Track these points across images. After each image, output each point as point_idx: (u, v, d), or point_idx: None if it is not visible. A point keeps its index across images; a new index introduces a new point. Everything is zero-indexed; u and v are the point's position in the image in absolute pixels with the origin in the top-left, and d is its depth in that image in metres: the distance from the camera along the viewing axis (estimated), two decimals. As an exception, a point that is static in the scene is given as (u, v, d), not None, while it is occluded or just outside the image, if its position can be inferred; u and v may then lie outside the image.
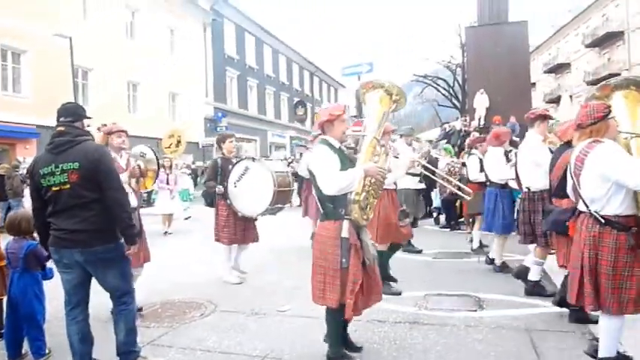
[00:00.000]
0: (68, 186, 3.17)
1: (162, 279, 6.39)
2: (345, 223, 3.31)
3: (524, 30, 17.54)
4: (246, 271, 6.39)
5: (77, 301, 3.43)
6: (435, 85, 37.22)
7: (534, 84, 45.32)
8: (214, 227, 6.19)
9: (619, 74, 27.55)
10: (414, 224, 8.30)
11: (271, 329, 4.29)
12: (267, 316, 4.67)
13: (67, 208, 3.21)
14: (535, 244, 5.13)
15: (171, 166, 11.40)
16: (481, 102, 16.62)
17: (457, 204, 10.03)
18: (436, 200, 10.77)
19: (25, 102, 18.15)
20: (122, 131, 4.87)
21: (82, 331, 3.41)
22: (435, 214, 11.13)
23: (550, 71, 49.56)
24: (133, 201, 4.43)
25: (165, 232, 10.62)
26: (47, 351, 3.77)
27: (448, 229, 9.96)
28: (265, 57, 37.61)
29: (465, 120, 17.17)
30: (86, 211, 3.21)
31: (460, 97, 32.65)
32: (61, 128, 3.37)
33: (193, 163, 24.21)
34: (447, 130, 15.84)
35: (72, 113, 3.47)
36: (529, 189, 5.18)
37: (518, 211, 5.60)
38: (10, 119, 17.01)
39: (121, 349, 3.51)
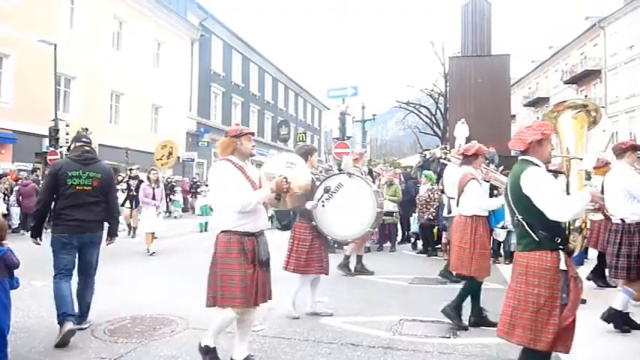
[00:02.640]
0: (90, 188, 4.58)
1: (133, 294, 6.27)
2: (562, 254, 2.92)
3: (506, 63, 17.96)
4: (324, 300, 5.74)
5: (69, 272, 4.57)
6: (417, 112, 37.75)
7: (514, 116, 46.35)
8: (288, 253, 5.28)
9: (595, 111, 28.41)
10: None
11: (243, 349, 4.20)
12: (240, 335, 4.58)
13: (84, 203, 4.54)
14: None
15: (157, 180, 10.32)
16: (461, 131, 16.87)
17: (434, 230, 10.11)
18: (414, 225, 10.83)
19: (5, 107, 17.85)
20: (252, 133, 3.85)
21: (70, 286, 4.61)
22: (412, 240, 11.17)
23: (530, 104, 50.77)
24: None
25: (151, 252, 9.59)
26: (8, 363, 3.63)
27: (425, 255, 10.00)
28: (251, 75, 37.83)
29: (445, 148, 17.41)
30: (96, 206, 4.64)
31: (441, 125, 33.14)
32: (87, 148, 4.75)
33: (171, 177, 23.95)
34: (427, 157, 16.03)
35: (89, 139, 4.86)
36: (623, 221, 4.95)
37: (607, 242, 5.19)
38: (-13, 124, 16.72)
39: (86, 308, 4.78)
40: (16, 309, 4.19)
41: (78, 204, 4.50)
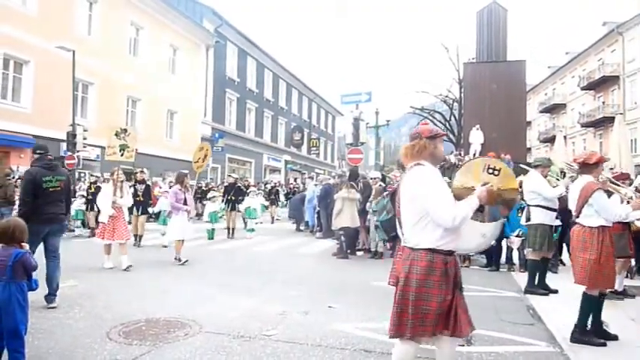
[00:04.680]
0: (59, 188, 5.79)
1: (148, 299, 6.33)
2: None
3: (521, 69, 17.83)
4: None
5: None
6: (431, 118, 37.58)
7: (530, 123, 46.01)
8: (394, 266, 5.23)
9: (613, 118, 28.02)
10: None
11: (256, 353, 4.23)
12: (253, 339, 4.61)
13: (55, 200, 5.74)
14: None
15: (186, 184, 9.80)
16: (476, 138, 16.79)
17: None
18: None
19: (24, 112, 18.20)
20: (445, 135, 3.44)
21: None
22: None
23: (545, 111, 50.32)
24: None
25: (183, 262, 8.97)
26: (26, 363, 3.69)
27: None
28: (265, 81, 38.07)
29: (460, 154, 17.32)
30: (61, 202, 5.88)
31: (456, 131, 32.96)
32: (50, 157, 5.99)
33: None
34: (442, 163, 15.98)
35: (47, 149, 6.04)
36: None
37: None
38: (7, 128, 17.03)
39: (56, 285, 5.72)
40: (33, 310, 4.27)
41: (50, 201, 5.66)
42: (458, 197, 3.06)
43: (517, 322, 5.37)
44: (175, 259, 9.10)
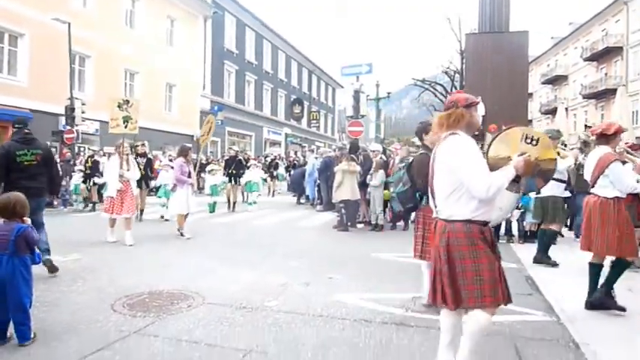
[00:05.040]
0: (35, 162, 5.72)
1: (151, 270, 6.40)
2: None
3: (524, 40, 17.55)
4: None
5: None
6: (432, 90, 37.32)
7: (531, 94, 45.67)
8: (417, 239, 4.86)
9: (615, 89, 27.79)
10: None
11: (258, 323, 4.29)
12: (255, 310, 4.68)
13: (33, 174, 5.67)
14: None
15: (190, 157, 9.66)
16: (478, 109, 16.68)
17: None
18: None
19: (21, 86, 18.04)
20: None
21: None
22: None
23: (547, 82, 49.88)
24: None
25: (184, 235, 8.98)
26: (32, 335, 3.74)
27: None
28: (265, 53, 37.59)
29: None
30: (41, 177, 5.78)
31: (457, 103, 32.72)
32: (27, 131, 5.86)
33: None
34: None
35: (25, 123, 6.04)
36: None
37: None
38: (4, 102, 16.90)
39: (45, 247, 5.77)
40: (37, 283, 4.32)
41: (27, 176, 5.61)
42: (493, 168, 2.97)
43: (515, 293, 5.38)
44: (179, 232, 9.09)
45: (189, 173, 9.31)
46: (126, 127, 8.79)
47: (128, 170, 8.47)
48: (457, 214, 2.91)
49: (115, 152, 8.63)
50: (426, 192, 4.53)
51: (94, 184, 14.20)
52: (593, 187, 4.80)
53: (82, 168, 14.63)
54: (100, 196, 14.16)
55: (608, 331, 4.17)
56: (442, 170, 2.98)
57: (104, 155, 16.45)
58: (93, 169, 14.13)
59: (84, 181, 14.38)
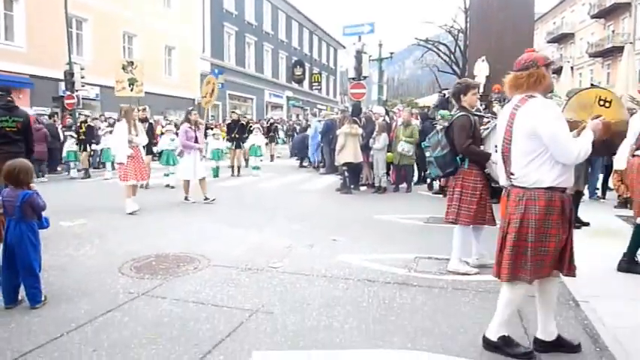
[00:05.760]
0: (16, 129, 5.96)
1: (156, 235, 6.48)
2: None
3: (530, -3, 17.14)
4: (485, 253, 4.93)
5: None
6: (435, 50, 36.71)
7: (536, 53, 44.75)
8: (457, 203, 4.68)
9: (622, 47, 27.23)
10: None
11: (263, 284, 4.38)
12: (260, 271, 4.76)
13: (12, 140, 5.94)
14: None
15: (197, 122, 9.30)
16: (482, 69, 16.39)
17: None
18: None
19: (19, 51, 17.83)
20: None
21: None
22: (428, 180, 11.20)
23: (553, 41, 48.87)
24: None
25: (188, 199, 8.97)
26: (43, 298, 3.83)
27: (440, 195, 10.04)
28: (265, 13, 36.85)
29: (464, 87, 17.02)
30: (20, 142, 6.01)
31: (460, 63, 32.26)
32: (9, 98, 6.10)
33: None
34: (446, 96, 15.74)
35: (8, 90, 6.28)
36: None
37: None
38: (3, 68, 16.73)
39: None
40: (46, 248, 4.39)
41: (7, 141, 5.89)
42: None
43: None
44: (185, 199, 9.02)
45: (196, 138, 9.03)
46: (132, 89, 8.62)
47: (136, 135, 8.10)
48: (539, 181, 2.80)
49: (122, 117, 8.17)
50: (467, 154, 4.52)
51: (92, 150, 13.96)
52: (638, 149, 4.73)
53: (74, 134, 13.99)
54: (89, 162, 14.14)
55: (608, 289, 4.23)
56: (523, 135, 2.82)
57: (105, 121, 16.36)
58: (88, 135, 13.78)
59: (80, 148, 13.80)
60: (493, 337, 3.03)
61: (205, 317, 3.62)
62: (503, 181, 3.05)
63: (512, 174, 2.93)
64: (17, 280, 3.80)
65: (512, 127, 2.88)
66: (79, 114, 16.01)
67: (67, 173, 14.39)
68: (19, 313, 3.70)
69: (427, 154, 4.84)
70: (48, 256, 4.74)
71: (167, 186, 11.07)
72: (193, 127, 9.06)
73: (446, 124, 4.73)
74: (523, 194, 2.85)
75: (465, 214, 4.61)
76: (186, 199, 9.07)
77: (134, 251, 5.45)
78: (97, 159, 15.49)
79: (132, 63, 9.05)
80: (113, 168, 12.25)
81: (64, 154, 14.21)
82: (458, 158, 4.63)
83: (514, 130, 2.87)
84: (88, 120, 14.42)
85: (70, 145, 13.97)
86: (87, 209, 8.13)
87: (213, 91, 11.70)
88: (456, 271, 4.71)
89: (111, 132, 13.99)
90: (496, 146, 4.05)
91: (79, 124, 14.22)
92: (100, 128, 14.82)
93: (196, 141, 9.03)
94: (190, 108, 10.34)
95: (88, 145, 13.83)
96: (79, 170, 14.06)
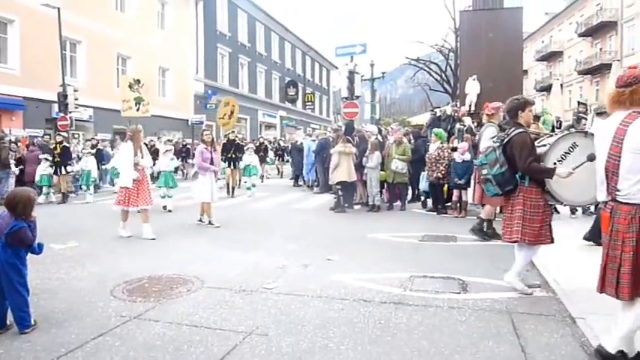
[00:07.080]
0: None
1: (149, 256, 6.41)
2: None
3: (518, 17, 17.44)
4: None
5: None
6: (427, 69, 37.09)
7: (526, 71, 45.45)
8: (512, 221, 4.53)
9: (610, 64, 27.67)
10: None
11: (257, 306, 4.33)
12: (254, 292, 4.71)
13: None
14: None
15: (213, 142, 9.06)
16: (473, 88, 16.60)
17: (444, 188, 10.11)
18: (423, 184, 10.82)
19: (12, 73, 17.83)
20: None
21: None
22: (422, 198, 11.21)
23: (542, 59, 49.63)
24: None
25: (212, 224, 8.65)
26: (32, 322, 3.75)
27: (434, 213, 10.05)
28: (257, 34, 37.20)
29: (456, 105, 17.18)
30: None
31: (452, 82, 32.58)
32: None
33: (183, 139, 24.02)
34: (437, 114, 15.87)
35: None
36: None
37: None
38: (-4, 90, 16.75)
39: None
40: (37, 272, 4.34)
41: None
42: None
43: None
44: (201, 221, 8.82)
45: (212, 160, 8.76)
46: (138, 109, 8.40)
47: (142, 157, 7.73)
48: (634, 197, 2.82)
49: (129, 139, 7.85)
50: (529, 172, 4.40)
51: (67, 172, 12.86)
52: None
53: (49, 156, 12.78)
54: (67, 186, 13.07)
55: (605, 306, 4.21)
56: (635, 151, 2.82)
57: (104, 143, 16.23)
58: (63, 156, 12.72)
59: (55, 172, 12.71)
60: (611, 349, 3.01)
61: (199, 340, 3.56)
62: (601, 196, 3.06)
63: (618, 190, 2.92)
64: (5, 305, 3.73)
65: (621, 144, 2.86)
66: (58, 134, 14.52)
67: (43, 199, 12.38)
68: (7, 338, 3.62)
69: (484, 171, 4.69)
70: (39, 279, 4.68)
71: (164, 208, 10.68)
72: (209, 147, 8.89)
73: (502, 141, 4.63)
74: (635, 212, 2.85)
75: (529, 233, 4.45)
76: (200, 220, 8.86)
77: (126, 273, 5.38)
78: (78, 182, 14.00)
79: (138, 81, 8.88)
80: (96, 190, 11.81)
81: (36, 177, 12.79)
82: (517, 176, 4.53)
83: (624, 147, 2.86)
84: (64, 141, 13.30)
85: (43, 169, 12.74)
86: (77, 231, 8.04)
87: (232, 112, 11.43)
88: (512, 285, 4.65)
89: (91, 154, 13.81)
90: (555, 163, 4.32)
91: (53, 145, 13.14)
92: (83, 149, 14.40)
93: (212, 162, 8.81)
94: (203, 129, 10.13)
95: (63, 168, 12.79)
96: (54, 193, 13.00)
